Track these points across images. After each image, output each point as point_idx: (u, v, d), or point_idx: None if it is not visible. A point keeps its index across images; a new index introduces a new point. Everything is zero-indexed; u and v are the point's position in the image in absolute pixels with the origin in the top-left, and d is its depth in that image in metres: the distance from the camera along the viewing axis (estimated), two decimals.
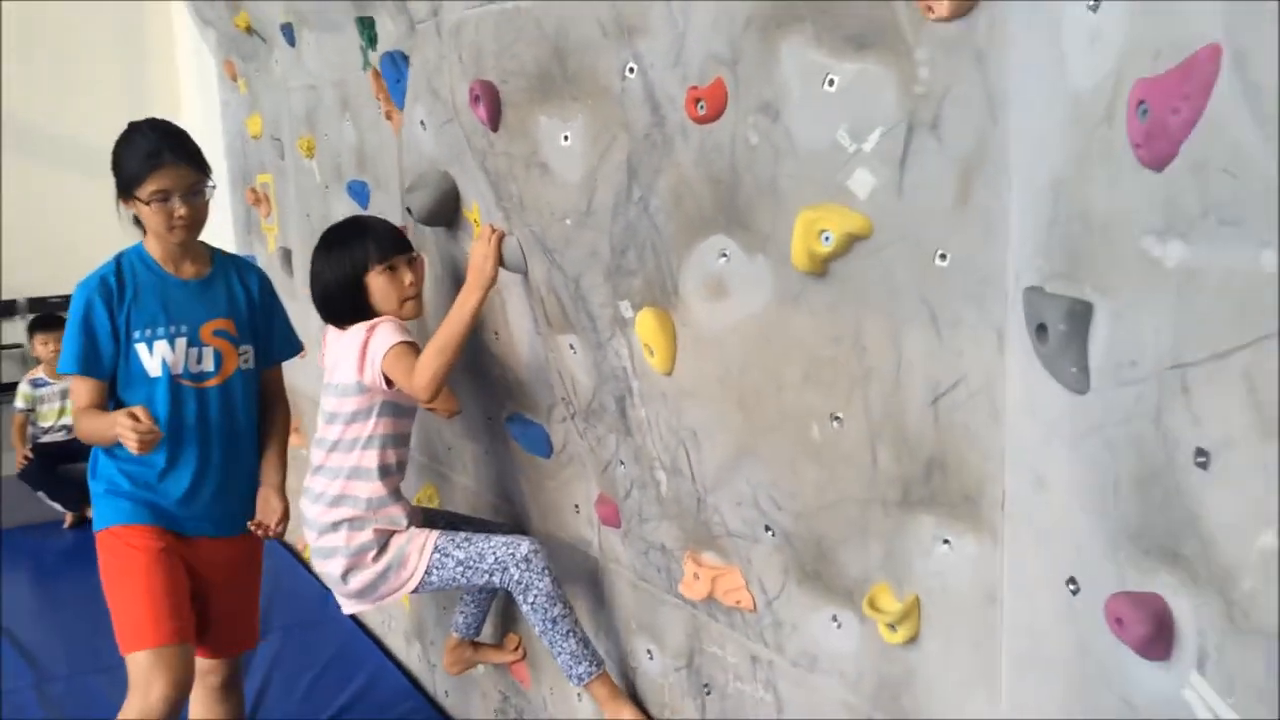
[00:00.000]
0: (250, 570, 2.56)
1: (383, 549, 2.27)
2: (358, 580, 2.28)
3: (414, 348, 2.18)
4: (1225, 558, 0.99)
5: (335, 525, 2.27)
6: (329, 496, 2.28)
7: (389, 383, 2.18)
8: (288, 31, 3.25)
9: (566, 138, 1.88)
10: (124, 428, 2.07)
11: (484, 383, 2.52)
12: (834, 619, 1.63)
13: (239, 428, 2.41)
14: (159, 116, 2.36)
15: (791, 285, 1.54)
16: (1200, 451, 1.01)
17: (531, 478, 2.48)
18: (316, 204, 3.40)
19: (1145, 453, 1.08)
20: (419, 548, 2.26)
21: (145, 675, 2.18)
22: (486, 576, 2.21)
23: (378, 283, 2.27)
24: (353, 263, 2.27)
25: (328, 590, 3.89)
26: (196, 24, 4.30)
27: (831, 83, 1.43)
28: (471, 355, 2.42)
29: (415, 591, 2.30)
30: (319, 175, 3.34)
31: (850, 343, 1.48)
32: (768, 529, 1.71)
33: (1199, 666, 1.06)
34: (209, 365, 2.35)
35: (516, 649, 2.67)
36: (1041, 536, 1.28)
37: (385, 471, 2.28)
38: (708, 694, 2.01)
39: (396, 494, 2.32)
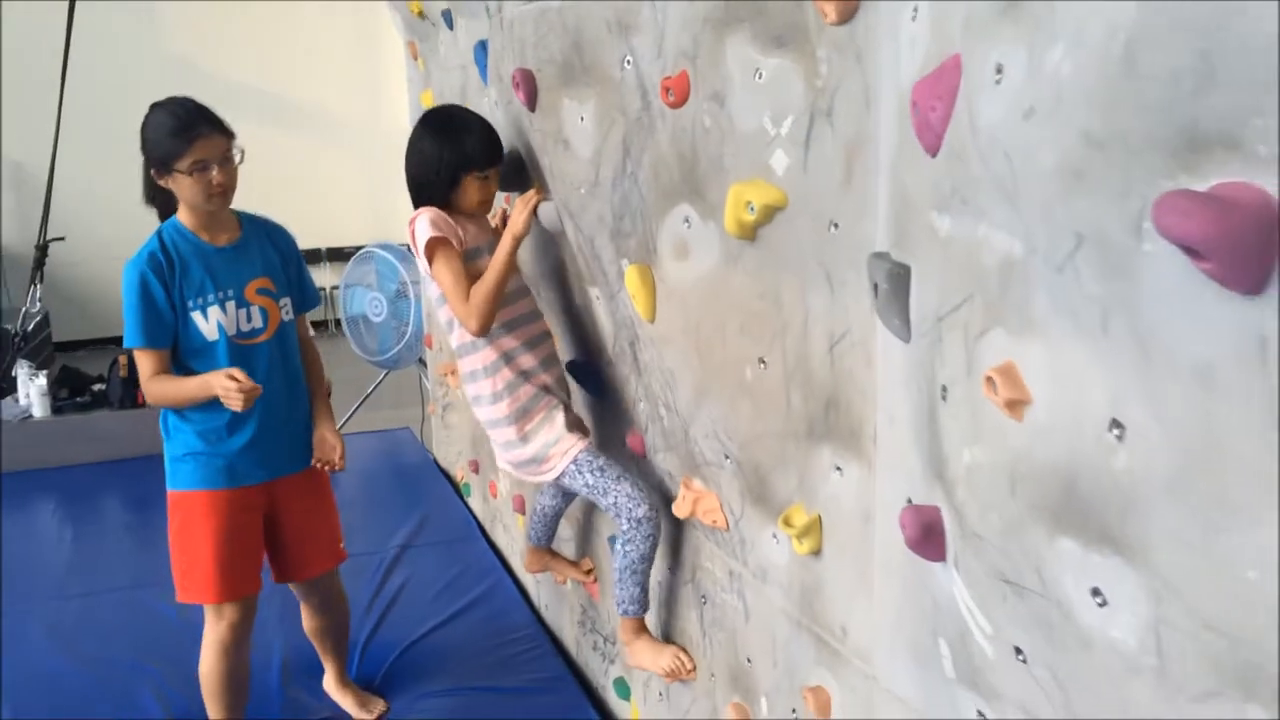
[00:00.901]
0: (321, 496, 2.74)
1: (530, 437, 2.47)
2: (508, 455, 2.54)
3: (451, 248, 2.35)
4: (951, 473, 1.23)
5: (476, 399, 2.51)
6: (464, 372, 2.53)
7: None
8: (447, 17, 3.65)
9: (582, 118, 2.20)
10: (226, 389, 2.27)
11: (560, 330, 2.85)
12: (774, 536, 1.90)
13: (292, 373, 2.60)
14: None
15: (731, 249, 1.81)
16: (943, 389, 1.24)
17: (595, 413, 2.80)
18: None
19: (929, 390, 1.32)
20: (562, 451, 2.45)
21: (216, 609, 2.56)
22: (601, 506, 2.42)
23: (472, 186, 2.43)
24: (451, 159, 2.41)
25: (471, 515, 4.40)
26: (389, 9, 4.80)
27: (760, 75, 1.68)
28: (554, 307, 2.74)
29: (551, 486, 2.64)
30: None
31: (772, 299, 1.74)
32: (726, 457, 1.99)
33: (956, 565, 1.29)
34: (258, 322, 2.50)
35: (589, 573, 3.00)
36: (893, 463, 1.52)
37: (501, 331, 2.43)
38: (704, 604, 2.30)
39: (524, 376, 2.47)
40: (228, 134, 2.40)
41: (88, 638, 3.43)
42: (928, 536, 1.33)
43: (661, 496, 2.39)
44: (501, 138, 2.76)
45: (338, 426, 2.72)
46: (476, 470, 4.32)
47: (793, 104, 1.61)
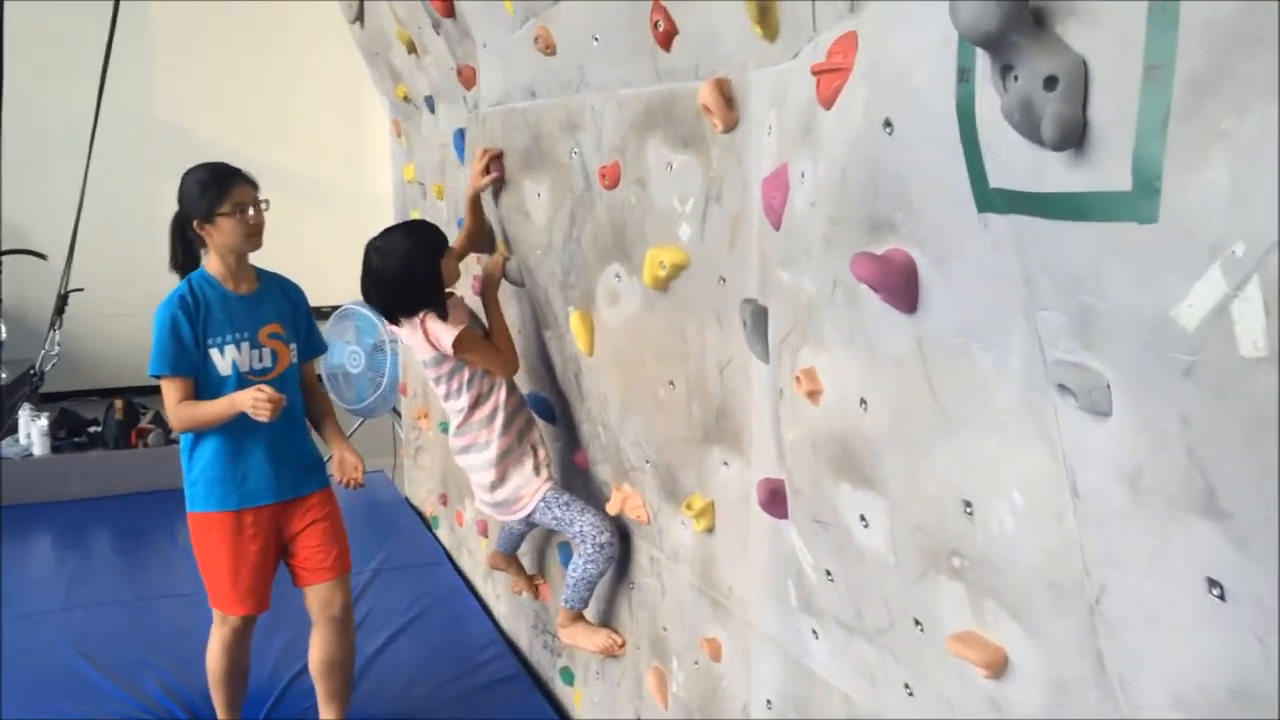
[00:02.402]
0: (326, 513, 2.94)
1: (506, 480, 2.88)
2: (486, 497, 2.96)
3: (467, 331, 2.76)
4: (784, 450, 1.77)
5: (467, 449, 2.93)
6: (456, 428, 2.92)
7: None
8: (430, 102, 4.21)
9: (539, 195, 2.76)
10: (256, 401, 2.56)
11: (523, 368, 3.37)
12: (682, 522, 2.42)
13: (294, 410, 2.83)
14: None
15: (649, 297, 2.36)
16: (781, 391, 1.78)
17: (549, 437, 3.32)
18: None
19: (775, 395, 1.86)
20: (531, 492, 2.87)
21: (220, 614, 2.90)
22: (566, 535, 2.86)
23: (449, 265, 2.78)
24: (432, 251, 2.75)
25: (440, 544, 4.84)
26: (376, 91, 5.36)
27: (671, 167, 2.24)
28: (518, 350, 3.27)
29: (521, 520, 2.98)
30: (445, 213, 4.29)
31: (679, 335, 2.28)
32: (647, 461, 2.52)
33: (792, 519, 1.82)
34: (268, 362, 2.79)
35: (537, 590, 3.44)
36: (763, 458, 2.05)
37: (492, 390, 2.85)
38: (632, 589, 2.81)
39: (506, 425, 2.87)
40: (255, 184, 2.78)
41: (92, 641, 3.86)
42: (774, 499, 1.86)
43: (600, 502, 2.89)
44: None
45: None
46: (445, 502, 4.80)
47: (694, 189, 2.17)
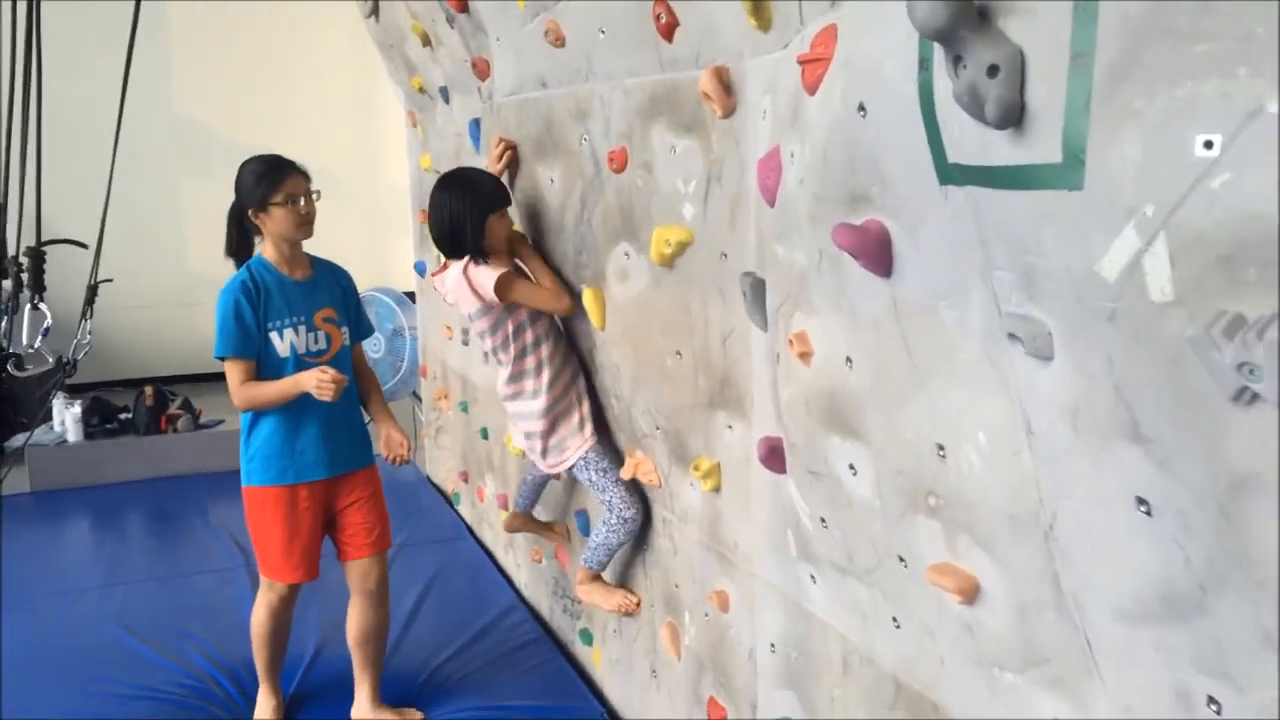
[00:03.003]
0: (372, 491, 3.12)
1: (551, 430, 2.99)
2: (532, 445, 3.05)
3: (509, 273, 2.86)
4: (781, 409, 1.92)
5: (517, 395, 3.01)
6: (504, 383, 3.02)
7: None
8: (445, 93, 4.37)
9: (552, 180, 2.91)
10: (320, 381, 2.70)
11: None
12: (690, 484, 2.58)
13: (348, 389, 2.92)
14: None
15: (656, 273, 2.51)
16: (778, 356, 1.94)
17: None
18: None
19: (772, 360, 2.01)
20: (576, 446, 2.97)
21: (269, 581, 3.04)
22: (597, 498, 2.97)
23: (497, 224, 2.91)
24: (476, 208, 2.88)
25: (461, 520, 5.02)
26: (390, 83, 5.52)
27: (675, 151, 2.39)
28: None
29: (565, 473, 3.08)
30: None
31: (684, 308, 2.44)
32: (657, 428, 2.68)
33: (790, 473, 1.98)
34: (322, 344, 2.93)
35: (567, 536, 3.52)
36: (763, 419, 2.20)
37: (539, 342, 2.95)
38: (645, 550, 2.97)
39: (559, 378, 2.98)
40: (308, 175, 2.89)
41: (133, 615, 4.05)
42: (773, 455, 2.02)
43: (617, 465, 3.04)
44: None
45: None
46: (466, 480, 4.98)
47: (696, 171, 2.32)
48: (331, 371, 2.72)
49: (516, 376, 3.01)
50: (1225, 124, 0.95)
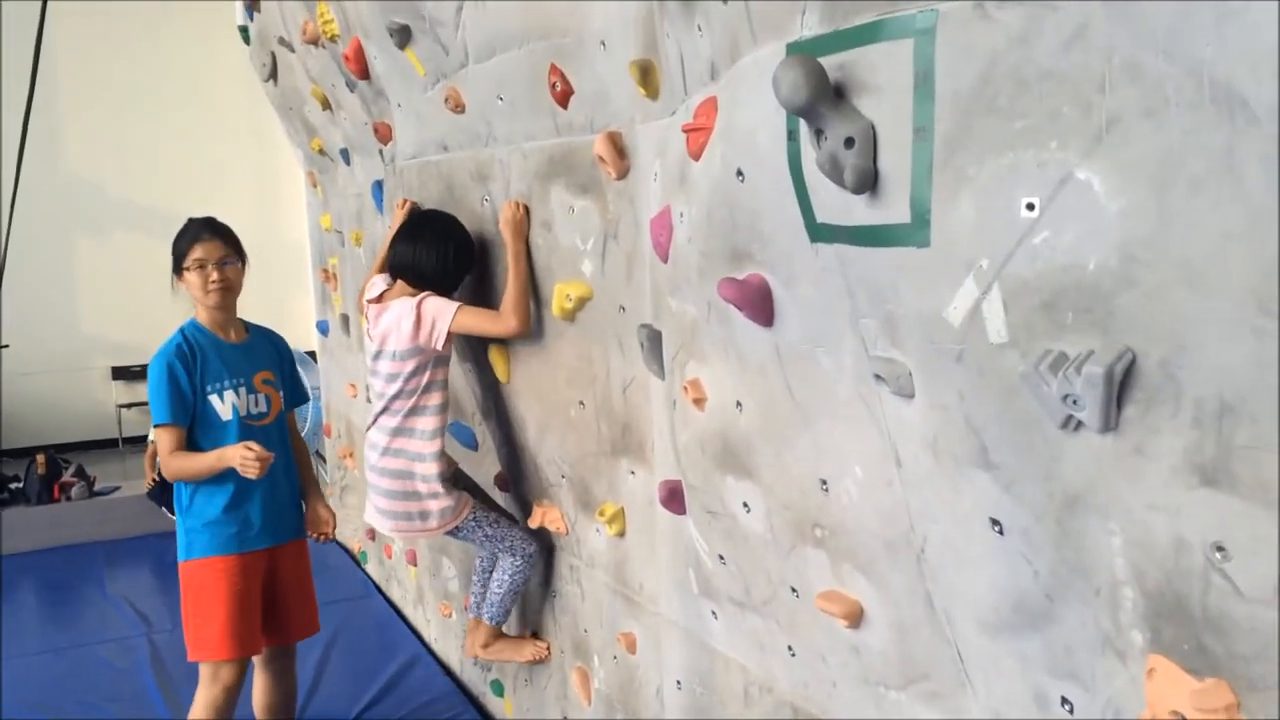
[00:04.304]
0: (305, 567, 3.12)
1: (433, 496, 2.88)
2: (397, 505, 2.89)
3: (464, 305, 2.77)
4: (679, 453, 2.04)
5: (398, 453, 2.88)
6: (387, 435, 2.88)
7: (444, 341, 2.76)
8: (345, 154, 4.43)
9: None
10: (245, 458, 2.61)
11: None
12: (596, 530, 2.67)
13: (287, 454, 2.98)
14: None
15: (559, 327, 2.62)
16: (675, 402, 2.06)
17: (472, 462, 3.54)
18: (362, 280, 4.55)
19: (669, 406, 2.13)
20: (460, 511, 2.92)
21: (213, 671, 2.84)
22: (494, 550, 2.99)
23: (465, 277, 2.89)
24: (466, 252, 2.88)
25: (368, 577, 4.98)
26: (291, 143, 5.55)
27: (573, 211, 2.51)
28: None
29: (444, 533, 2.97)
30: (364, 259, 4.50)
31: (586, 359, 2.55)
32: (563, 476, 2.77)
33: (689, 513, 2.09)
34: (263, 407, 2.91)
35: (548, 650, 3.10)
36: (663, 463, 2.31)
37: (442, 408, 2.88)
38: (554, 597, 3.04)
39: (443, 446, 2.92)
40: (228, 243, 2.86)
41: (30, 688, 3.94)
42: (672, 497, 2.13)
43: (523, 516, 3.12)
44: None
45: None
46: (373, 537, 4.97)
47: (594, 229, 2.44)
48: (257, 448, 2.64)
49: (404, 432, 2.88)
50: (1043, 189, 1.10)
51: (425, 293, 2.80)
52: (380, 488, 2.95)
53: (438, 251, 2.84)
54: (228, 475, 2.77)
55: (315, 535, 3.06)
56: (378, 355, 2.88)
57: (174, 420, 2.75)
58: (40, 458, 6.09)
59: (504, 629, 3.15)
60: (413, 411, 2.87)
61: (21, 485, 6.12)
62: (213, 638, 2.82)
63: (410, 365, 2.82)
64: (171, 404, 2.74)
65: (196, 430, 2.79)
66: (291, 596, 3.04)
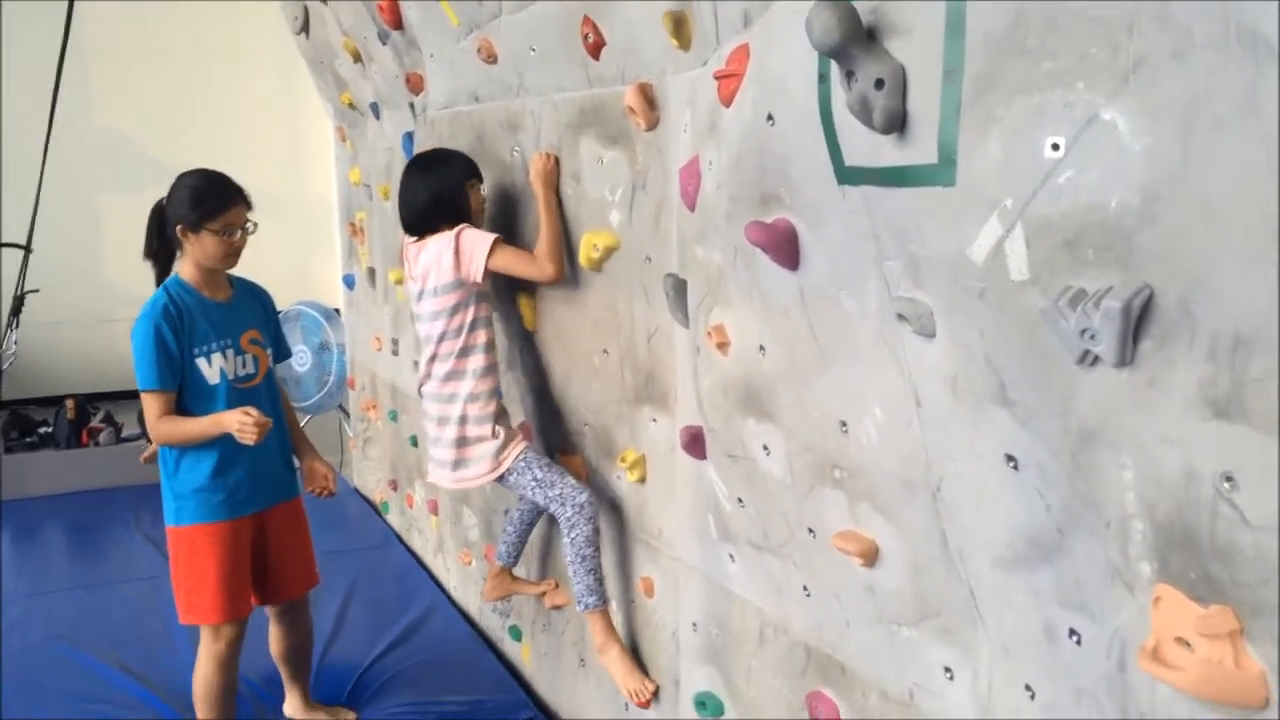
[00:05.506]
0: (300, 525, 3.02)
1: (480, 439, 2.82)
2: (453, 454, 2.82)
3: (502, 240, 2.76)
4: (701, 398, 2.08)
5: (451, 398, 2.82)
6: (438, 382, 2.84)
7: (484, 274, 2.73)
8: (375, 108, 4.47)
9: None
10: (243, 424, 2.49)
11: None
12: (617, 476, 2.72)
13: (277, 414, 2.84)
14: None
15: (586, 277, 2.66)
16: (698, 349, 2.10)
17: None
18: (390, 234, 4.60)
19: (694, 354, 2.17)
20: (509, 450, 2.81)
21: (213, 631, 2.82)
22: (546, 500, 2.74)
23: (474, 195, 2.83)
24: (452, 178, 2.81)
25: (389, 528, 5.06)
26: (320, 98, 5.59)
27: (602, 162, 2.55)
28: None
29: (496, 481, 2.85)
30: (391, 213, 4.53)
31: (611, 308, 2.59)
32: (585, 424, 2.82)
33: (709, 458, 2.14)
34: (251, 368, 2.78)
35: (556, 588, 3.18)
36: (685, 410, 2.36)
37: (489, 346, 2.84)
38: None
39: (496, 385, 2.87)
40: (250, 204, 2.74)
41: (61, 621, 4.05)
42: (694, 442, 2.17)
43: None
44: None
45: None
46: (395, 488, 5.05)
47: (622, 180, 2.47)
48: (255, 413, 2.53)
49: (455, 375, 2.83)
50: (1068, 129, 1.13)
51: (462, 225, 2.79)
52: (440, 438, 2.90)
53: (425, 193, 2.82)
54: (215, 439, 2.67)
55: (316, 491, 2.96)
56: (420, 296, 2.85)
57: (162, 385, 2.62)
58: (70, 403, 6.18)
59: (522, 573, 3.21)
60: (462, 352, 2.83)
61: (51, 430, 6.23)
62: (204, 602, 2.79)
63: (453, 300, 2.79)
64: (159, 368, 2.61)
65: (184, 394, 2.67)
66: (288, 555, 2.97)
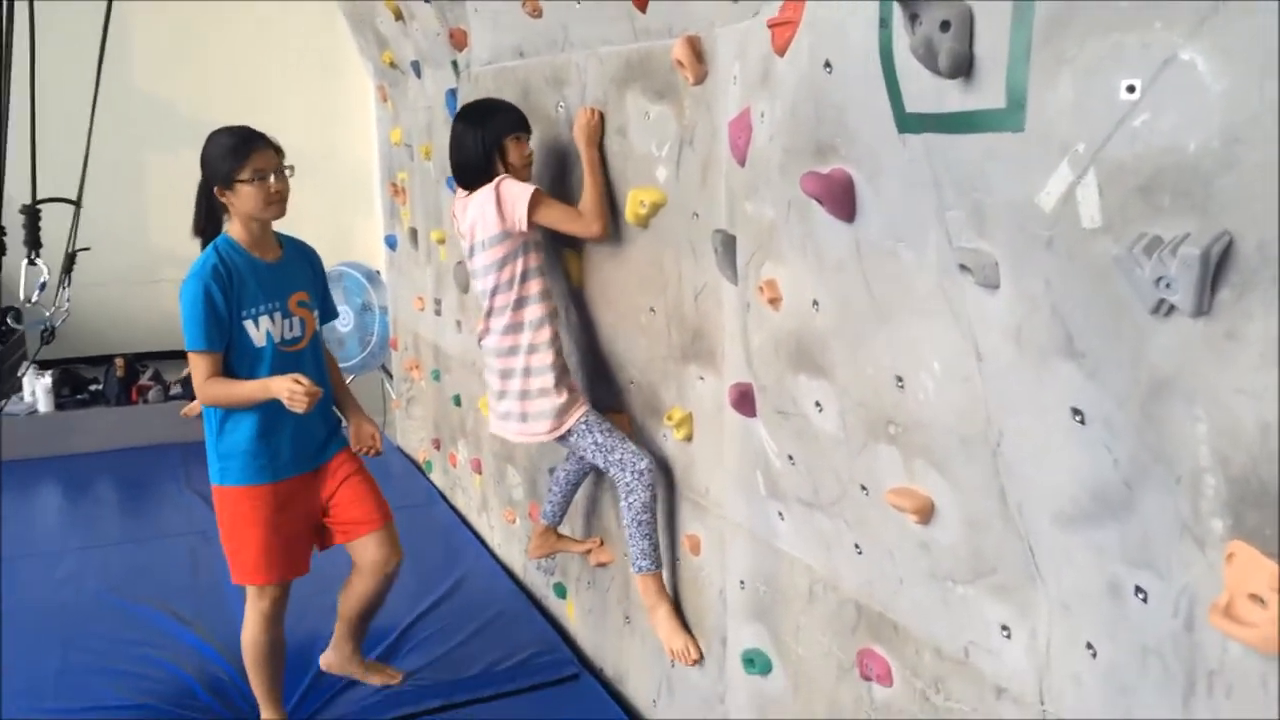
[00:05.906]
0: (356, 470, 2.94)
1: (544, 393, 2.81)
2: (519, 406, 2.83)
3: (542, 193, 2.74)
4: (751, 355, 2.06)
5: (512, 350, 2.82)
6: (498, 335, 2.83)
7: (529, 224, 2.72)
8: (416, 66, 4.45)
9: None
10: (294, 392, 2.47)
11: None
12: (663, 435, 2.71)
13: (322, 376, 2.81)
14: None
15: (632, 233, 2.64)
16: (748, 305, 2.07)
17: None
18: (431, 194, 4.60)
19: (743, 310, 2.14)
20: (572, 410, 2.81)
21: (258, 590, 2.82)
22: (606, 464, 2.75)
23: (512, 147, 2.80)
24: (498, 129, 2.79)
25: (433, 486, 5.09)
26: (361, 58, 5.58)
27: (649, 116, 2.51)
28: None
29: (554, 440, 2.85)
30: (433, 172, 4.54)
31: (658, 265, 2.56)
32: (631, 382, 2.81)
33: (759, 416, 2.12)
34: (298, 331, 2.74)
35: (601, 546, 3.20)
36: (733, 368, 2.34)
37: (544, 295, 2.82)
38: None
39: (555, 334, 2.85)
40: (279, 150, 2.69)
41: (114, 573, 4.13)
42: (743, 399, 2.15)
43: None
44: None
45: None
46: (438, 447, 5.08)
47: (669, 135, 2.44)
48: (306, 382, 2.51)
49: (514, 328, 2.83)
50: (1145, 70, 1.09)
51: (502, 175, 2.77)
52: (505, 392, 2.90)
53: (463, 145, 2.81)
54: (260, 403, 2.64)
55: (363, 451, 2.94)
56: (472, 252, 2.85)
57: (210, 346, 2.60)
58: (119, 361, 6.27)
59: (567, 531, 3.22)
60: (518, 304, 2.82)
61: (101, 387, 6.33)
62: (249, 562, 2.79)
63: (501, 251, 2.78)
64: (208, 329, 2.59)
65: (229, 356, 2.65)
66: (353, 496, 2.91)
